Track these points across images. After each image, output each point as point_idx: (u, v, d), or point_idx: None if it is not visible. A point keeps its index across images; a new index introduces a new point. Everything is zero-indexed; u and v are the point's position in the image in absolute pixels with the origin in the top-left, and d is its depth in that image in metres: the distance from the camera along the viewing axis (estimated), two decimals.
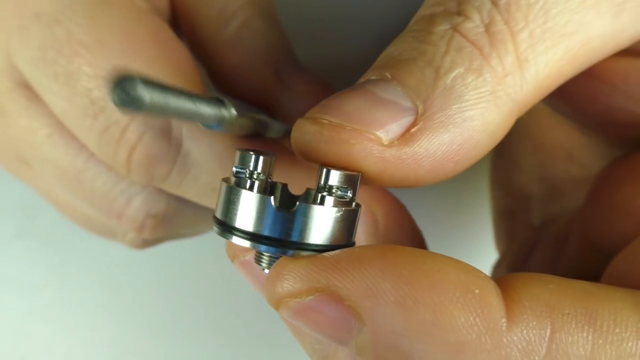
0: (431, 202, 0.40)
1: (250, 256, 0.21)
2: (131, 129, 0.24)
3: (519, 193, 0.31)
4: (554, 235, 0.29)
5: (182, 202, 0.28)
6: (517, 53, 0.19)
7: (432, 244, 0.26)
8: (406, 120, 0.18)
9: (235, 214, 0.18)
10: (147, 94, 0.14)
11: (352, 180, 0.18)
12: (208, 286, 0.40)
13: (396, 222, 0.23)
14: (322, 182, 0.18)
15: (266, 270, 0.19)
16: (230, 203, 0.18)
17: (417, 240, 0.24)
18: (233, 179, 0.18)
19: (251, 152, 0.18)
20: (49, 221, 0.37)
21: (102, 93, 0.24)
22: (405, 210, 0.24)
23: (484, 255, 0.35)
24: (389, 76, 0.19)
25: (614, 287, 0.18)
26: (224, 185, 0.18)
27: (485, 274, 0.17)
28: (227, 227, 0.18)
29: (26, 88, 0.26)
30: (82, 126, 0.24)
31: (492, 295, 0.16)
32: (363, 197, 0.22)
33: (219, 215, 0.18)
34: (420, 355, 0.16)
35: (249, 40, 0.27)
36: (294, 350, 0.41)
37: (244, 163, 0.18)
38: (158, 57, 0.24)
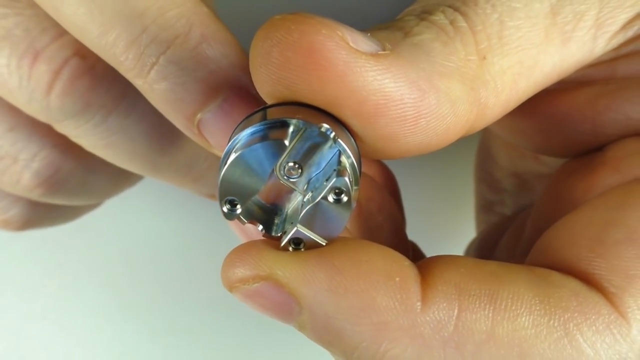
0: (420, 198, 0.40)
1: None
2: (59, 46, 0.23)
3: (495, 187, 0.33)
4: (518, 223, 0.31)
5: (85, 169, 0.27)
6: (478, 48, 0.20)
7: (422, 237, 0.28)
8: (375, 46, 0.18)
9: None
10: None
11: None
12: (208, 286, 0.40)
13: (377, 205, 0.25)
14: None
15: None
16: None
17: (396, 222, 0.26)
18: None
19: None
20: None
21: None
22: (386, 195, 0.26)
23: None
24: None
25: (518, 267, 0.20)
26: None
27: (409, 262, 0.19)
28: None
29: None
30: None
31: (411, 282, 0.19)
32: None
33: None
34: (349, 334, 0.18)
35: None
36: (295, 351, 0.41)
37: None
38: None
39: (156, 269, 0.39)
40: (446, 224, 0.42)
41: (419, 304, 0.19)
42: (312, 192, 0.18)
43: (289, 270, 0.18)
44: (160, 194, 0.38)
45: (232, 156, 0.18)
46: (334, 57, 0.17)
